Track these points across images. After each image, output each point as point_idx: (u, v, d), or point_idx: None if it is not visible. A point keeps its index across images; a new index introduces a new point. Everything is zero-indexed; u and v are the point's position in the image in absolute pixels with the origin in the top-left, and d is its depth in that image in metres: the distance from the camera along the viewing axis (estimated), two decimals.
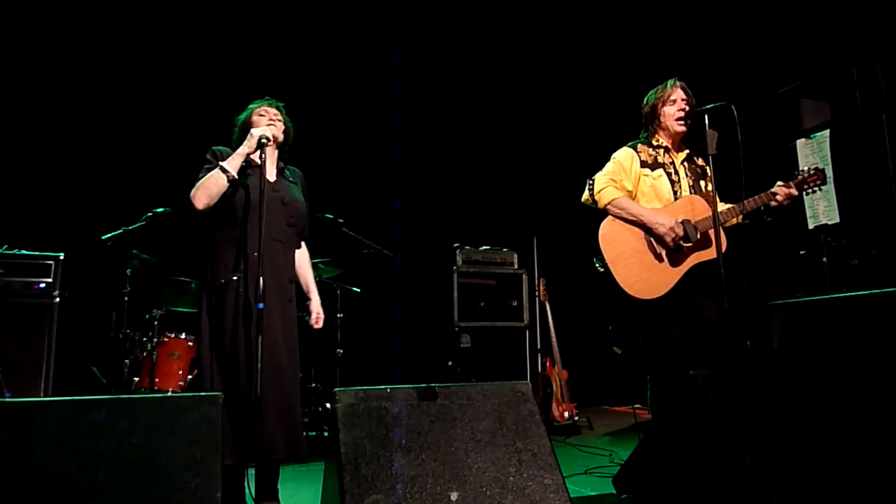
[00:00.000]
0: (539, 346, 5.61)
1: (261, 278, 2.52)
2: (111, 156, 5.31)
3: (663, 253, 3.08)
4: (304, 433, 4.38)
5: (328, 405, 4.59)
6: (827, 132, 4.11)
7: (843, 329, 3.30)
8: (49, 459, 1.70)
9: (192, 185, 2.68)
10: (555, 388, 5.12)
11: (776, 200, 3.13)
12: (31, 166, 5.05)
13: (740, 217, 3.20)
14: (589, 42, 6.60)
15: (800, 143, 4.27)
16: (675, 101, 3.23)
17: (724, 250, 2.91)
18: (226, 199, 2.67)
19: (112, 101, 5.36)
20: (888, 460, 2.29)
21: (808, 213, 4.18)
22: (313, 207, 3.07)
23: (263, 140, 2.67)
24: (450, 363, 5.29)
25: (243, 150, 2.68)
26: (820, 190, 3.20)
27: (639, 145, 3.28)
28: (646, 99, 3.33)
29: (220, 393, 2.00)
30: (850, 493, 2.14)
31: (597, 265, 3.11)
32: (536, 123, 6.91)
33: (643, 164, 3.22)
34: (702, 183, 3.29)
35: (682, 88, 3.25)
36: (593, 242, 3.11)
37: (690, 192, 3.20)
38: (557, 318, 5.33)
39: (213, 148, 2.79)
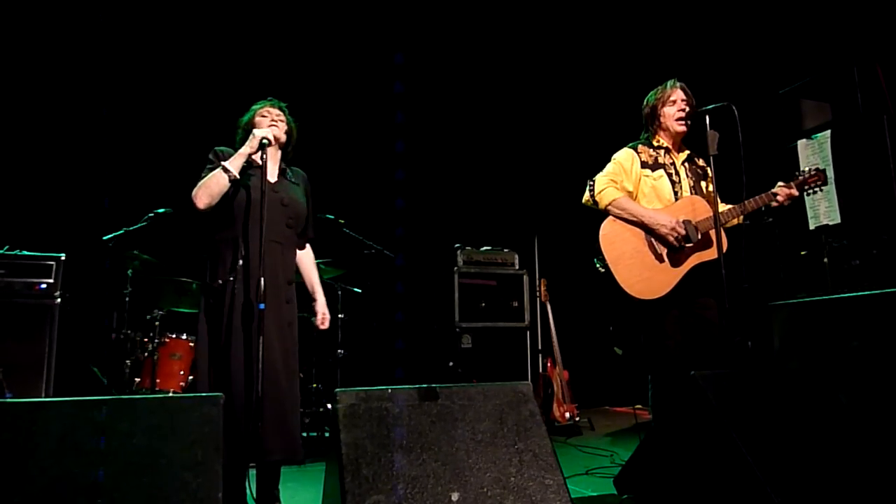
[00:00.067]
0: (540, 347, 5.61)
1: (262, 279, 2.52)
2: (111, 157, 5.31)
3: (664, 253, 3.08)
4: (306, 434, 4.42)
5: (329, 406, 4.59)
6: (828, 133, 4.11)
7: (844, 329, 3.30)
8: (50, 460, 1.70)
9: (194, 186, 2.69)
10: (556, 388, 5.12)
11: (777, 201, 3.13)
12: (32, 167, 5.06)
13: (741, 217, 3.20)
14: (589, 43, 6.60)
15: (801, 143, 4.27)
16: (675, 102, 3.23)
17: (724, 251, 2.92)
18: (226, 199, 2.68)
19: (113, 101, 5.36)
20: (889, 460, 2.29)
21: (810, 213, 4.17)
22: (315, 208, 3.07)
23: (265, 141, 2.68)
24: (451, 364, 5.29)
25: (245, 150, 2.68)
26: (821, 190, 3.20)
27: (639, 146, 3.28)
28: (646, 100, 3.33)
29: (220, 394, 2.00)
30: (851, 494, 2.14)
31: (597, 265, 3.11)
32: (537, 124, 6.91)
33: (644, 165, 3.22)
34: (702, 183, 3.29)
35: (682, 89, 3.25)
36: (594, 243, 3.11)
37: (691, 193, 3.20)
38: (558, 319, 5.33)
39: (216, 148, 2.80)
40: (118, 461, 1.76)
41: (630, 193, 3.19)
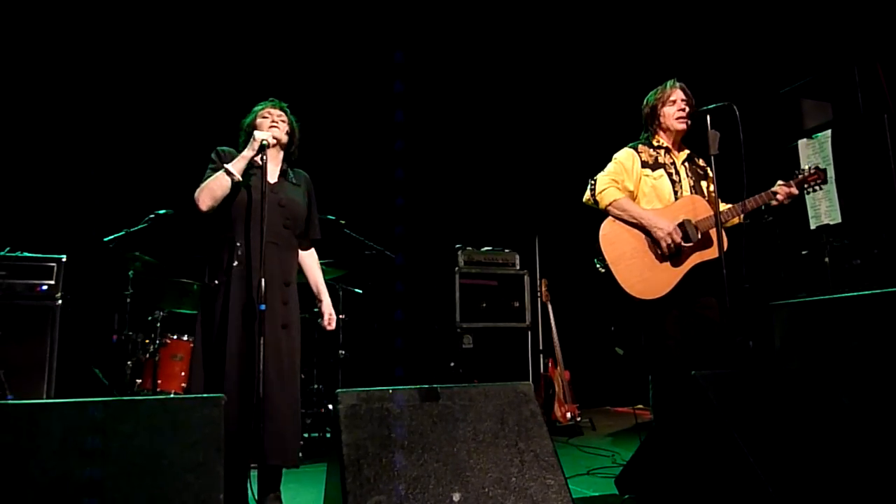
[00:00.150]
0: (541, 347, 5.61)
1: (262, 280, 2.53)
2: (112, 158, 5.31)
3: (664, 253, 3.08)
4: (307, 434, 4.42)
5: (330, 406, 4.59)
6: (829, 132, 4.11)
7: (845, 329, 3.30)
8: (51, 461, 1.71)
9: (195, 187, 2.70)
10: (557, 388, 5.12)
11: (777, 200, 3.13)
12: (33, 168, 5.06)
13: (741, 216, 3.20)
14: (590, 43, 6.60)
15: (802, 143, 4.27)
16: (674, 102, 3.23)
17: (725, 250, 2.92)
18: (226, 199, 2.69)
19: (114, 102, 5.36)
20: (890, 460, 2.29)
21: (810, 213, 4.18)
22: (318, 209, 3.06)
23: (264, 143, 2.69)
24: (452, 364, 5.30)
25: (247, 153, 2.69)
26: (821, 189, 3.20)
27: (639, 146, 3.28)
28: (646, 100, 3.33)
29: (222, 395, 2.00)
30: (852, 494, 2.14)
31: (598, 266, 3.11)
32: (538, 124, 6.91)
33: (644, 165, 3.22)
34: (703, 183, 3.29)
35: (682, 89, 3.25)
36: (594, 243, 3.11)
37: (691, 193, 3.20)
38: (559, 319, 5.33)
39: (218, 148, 2.81)
40: (119, 462, 1.76)
41: (631, 193, 3.19)
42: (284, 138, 2.87)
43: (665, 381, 3.06)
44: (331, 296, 3.10)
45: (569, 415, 5.06)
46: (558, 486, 2.13)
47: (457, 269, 5.47)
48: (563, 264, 6.13)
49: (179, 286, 4.50)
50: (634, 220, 3.11)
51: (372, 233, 4.98)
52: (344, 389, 2.12)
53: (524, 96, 6.80)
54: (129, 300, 4.37)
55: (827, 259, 3.97)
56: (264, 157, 2.71)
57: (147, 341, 4.35)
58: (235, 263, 2.66)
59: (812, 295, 3.73)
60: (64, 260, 4.19)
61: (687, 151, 3.33)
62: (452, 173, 6.54)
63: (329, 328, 3.01)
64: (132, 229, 4.25)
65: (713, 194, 3.05)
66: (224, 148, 2.81)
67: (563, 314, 5.42)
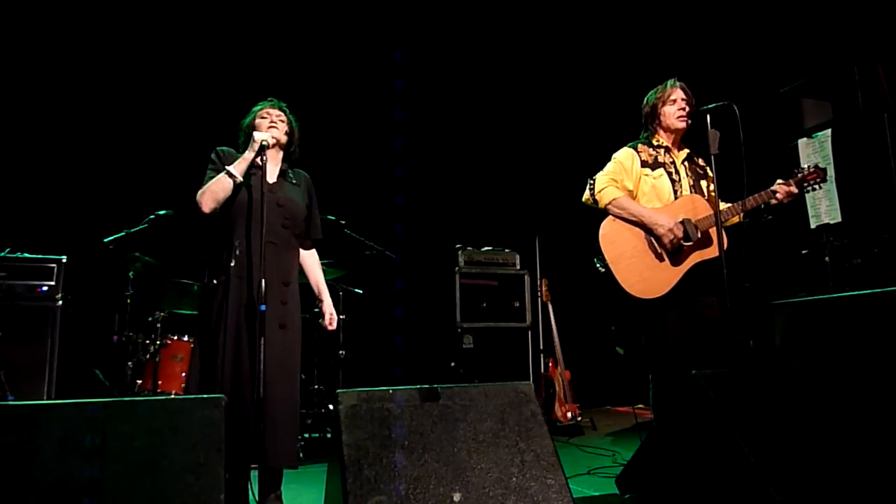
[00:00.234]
0: (541, 347, 5.61)
1: (262, 280, 2.52)
2: (114, 158, 5.31)
3: (664, 252, 3.08)
4: (308, 435, 4.43)
5: (331, 407, 4.59)
6: (829, 132, 4.11)
7: (845, 328, 3.30)
8: (52, 462, 1.71)
9: (195, 188, 2.70)
10: (557, 388, 5.12)
11: (776, 199, 3.13)
12: (33, 170, 5.07)
13: (741, 215, 3.20)
14: (590, 42, 6.60)
15: (802, 142, 4.27)
16: (675, 101, 3.23)
17: (725, 249, 2.92)
18: (227, 201, 2.69)
19: (114, 103, 5.37)
20: (891, 459, 2.29)
21: (810, 212, 4.17)
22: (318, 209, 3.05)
23: (264, 144, 2.69)
24: (452, 364, 5.30)
25: (248, 155, 2.69)
26: (820, 188, 3.20)
27: (639, 145, 3.28)
28: (646, 99, 3.33)
29: (222, 395, 2.00)
30: (853, 493, 2.14)
31: (597, 265, 3.11)
32: (538, 124, 6.91)
33: (643, 164, 3.22)
34: (702, 183, 3.29)
35: (682, 88, 3.25)
36: (594, 242, 3.11)
37: (691, 192, 3.20)
38: (560, 319, 5.33)
39: (217, 149, 2.81)
40: (120, 463, 1.76)
41: (630, 192, 3.19)
42: (284, 138, 2.87)
43: (665, 381, 3.06)
44: (331, 296, 3.10)
45: (569, 414, 5.06)
46: (559, 485, 2.13)
47: (457, 268, 5.47)
48: (563, 264, 6.13)
49: (179, 287, 4.50)
50: (634, 218, 3.11)
51: (372, 233, 4.98)
52: (344, 390, 2.12)
53: (524, 96, 6.80)
54: (129, 301, 4.37)
55: (827, 258, 3.97)
56: (264, 158, 2.71)
57: (147, 342, 4.35)
58: (233, 263, 2.66)
59: (812, 294, 3.73)
60: (64, 261, 4.19)
61: (686, 151, 3.33)
62: (452, 173, 6.54)
63: (330, 328, 3.00)
64: (132, 230, 4.25)
65: (713, 193, 3.05)
66: (223, 148, 2.81)
67: (563, 314, 5.42)
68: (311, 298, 3.07)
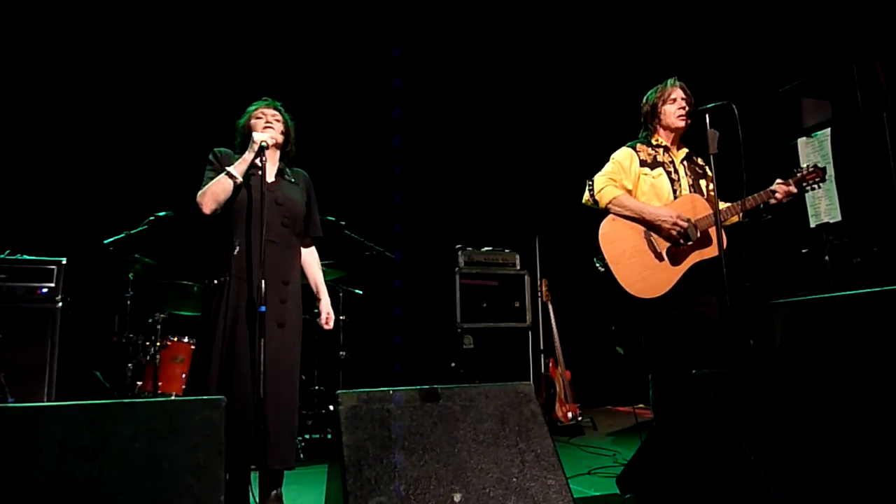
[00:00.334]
0: (542, 347, 5.61)
1: (262, 281, 2.52)
2: (113, 160, 5.31)
3: (663, 252, 3.08)
4: (308, 436, 4.43)
5: (331, 407, 4.59)
6: (828, 131, 4.11)
7: (845, 327, 3.30)
8: (52, 464, 1.71)
9: (194, 189, 2.70)
10: (558, 388, 5.12)
11: (775, 198, 3.13)
12: (33, 171, 5.06)
13: (740, 215, 3.20)
14: (589, 42, 6.60)
15: (801, 141, 4.27)
16: (675, 100, 3.23)
17: (724, 248, 2.92)
18: (227, 201, 2.69)
19: (113, 105, 5.37)
20: (891, 459, 2.29)
21: (810, 211, 4.18)
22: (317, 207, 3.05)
23: (263, 144, 2.70)
24: (452, 364, 5.30)
25: (248, 156, 2.69)
26: (819, 187, 3.20)
27: (638, 145, 3.28)
28: (645, 98, 3.33)
29: (222, 396, 1.99)
30: (853, 492, 2.14)
31: (597, 265, 3.11)
32: (538, 124, 6.91)
33: (642, 164, 3.22)
34: (701, 182, 3.29)
35: (682, 88, 3.25)
36: (594, 242, 3.11)
37: (690, 191, 3.20)
38: (560, 319, 5.33)
39: (215, 150, 2.81)
40: (120, 465, 1.76)
41: (629, 192, 3.19)
42: (280, 138, 2.87)
43: (666, 381, 3.06)
44: (331, 297, 3.09)
45: (570, 414, 5.06)
46: (559, 485, 2.13)
47: (457, 269, 5.47)
48: (563, 264, 6.13)
49: (180, 288, 4.50)
50: (636, 215, 3.10)
51: (372, 233, 4.98)
52: (344, 390, 2.12)
53: (524, 96, 6.80)
54: (129, 302, 4.37)
55: (827, 257, 3.97)
56: (264, 159, 2.71)
57: (147, 343, 4.35)
58: (233, 263, 2.66)
59: (812, 293, 3.73)
60: (64, 262, 4.19)
61: (686, 150, 3.34)
62: (452, 173, 6.53)
63: (327, 327, 2.98)
64: (132, 231, 4.25)
65: (712, 193, 3.05)
66: (221, 149, 2.82)
67: (563, 314, 5.42)
68: (311, 298, 3.07)
